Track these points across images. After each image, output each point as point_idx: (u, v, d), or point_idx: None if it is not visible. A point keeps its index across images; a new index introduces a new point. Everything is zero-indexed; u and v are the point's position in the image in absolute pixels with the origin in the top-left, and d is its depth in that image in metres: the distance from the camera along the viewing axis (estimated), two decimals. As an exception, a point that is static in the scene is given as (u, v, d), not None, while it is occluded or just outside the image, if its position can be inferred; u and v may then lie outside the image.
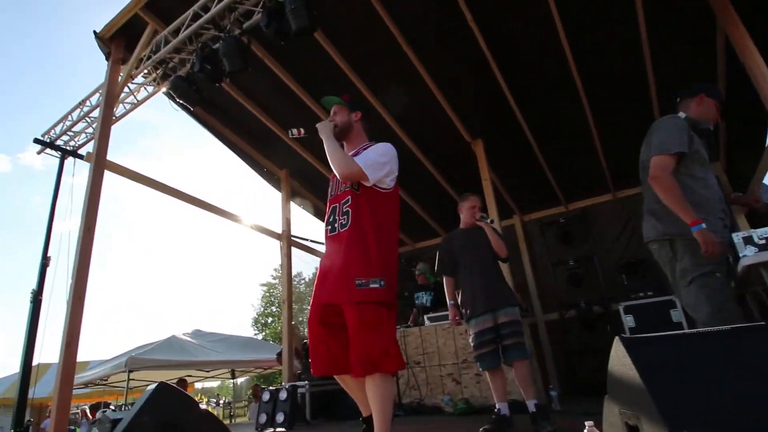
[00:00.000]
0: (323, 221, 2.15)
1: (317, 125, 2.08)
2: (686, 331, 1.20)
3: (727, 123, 4.77)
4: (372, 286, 1.81)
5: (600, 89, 4.73)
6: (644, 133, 2.36)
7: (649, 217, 2.25)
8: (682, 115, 2.32)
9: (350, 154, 2.08)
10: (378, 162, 1.98)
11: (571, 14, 3.97)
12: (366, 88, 4.79)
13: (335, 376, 1.95)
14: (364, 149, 2.09)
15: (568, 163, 6.00)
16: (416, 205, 6.92)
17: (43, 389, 10.62)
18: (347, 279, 1.83)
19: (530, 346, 4.71)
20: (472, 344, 3.04)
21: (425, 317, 5.13)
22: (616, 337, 1.31)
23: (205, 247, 64.50)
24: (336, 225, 2.00)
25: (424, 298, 5.96)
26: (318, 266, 2.08)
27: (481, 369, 3.03)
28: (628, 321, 4.62)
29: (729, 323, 1.31)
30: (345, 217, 1.97)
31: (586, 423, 1.47)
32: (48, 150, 4.96)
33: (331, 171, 2.04)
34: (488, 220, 3.18)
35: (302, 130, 2.09)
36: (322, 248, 7.39)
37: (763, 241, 1.99)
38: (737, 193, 3.16)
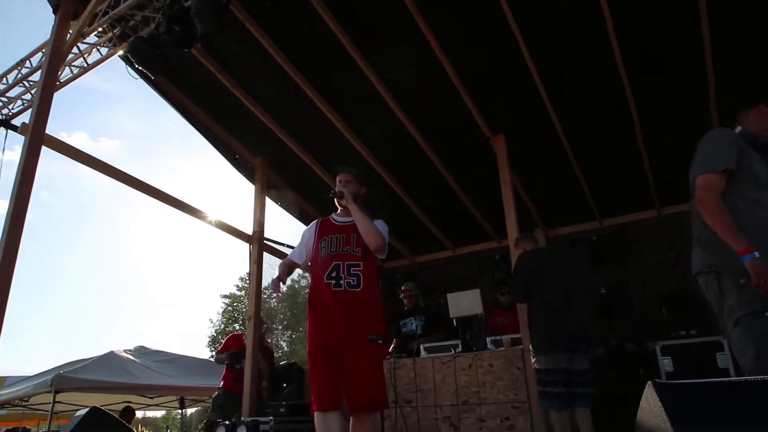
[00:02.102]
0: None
1: (347, 193, 2.97)
2: (729, 379, 1.23)
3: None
4: (379, 341, 2.75)
5: (651, 89, 4.81)
6: (699, 140, 2.44)
7: (695, 247, 2.36)
8: (738, 128, 2.42)
9: (347, 221, 3.00)
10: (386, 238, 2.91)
11: (625, 14, 4.05)
12: (368, 67, 4.83)
13: (319, 415, 2.63)
14: None
15: (607, 169, 6.07)
16: (419, 211, 6.95)
17: (-53, 409, 10.53)
18: (359, 332, 2.70)
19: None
20: None
21: (421, 347, 5.15)
22: (649, 383, 1.35)
23: (157, 246, 64.31)
24: (342, 282, 2.81)
25: (413, 324, 5.99)
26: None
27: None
28: (665, 364, 4.66)
29: None
30: (354, 278, 2.82)
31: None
32: (-26, 117, 4.95)
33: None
34: None
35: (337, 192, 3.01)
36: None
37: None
38: None
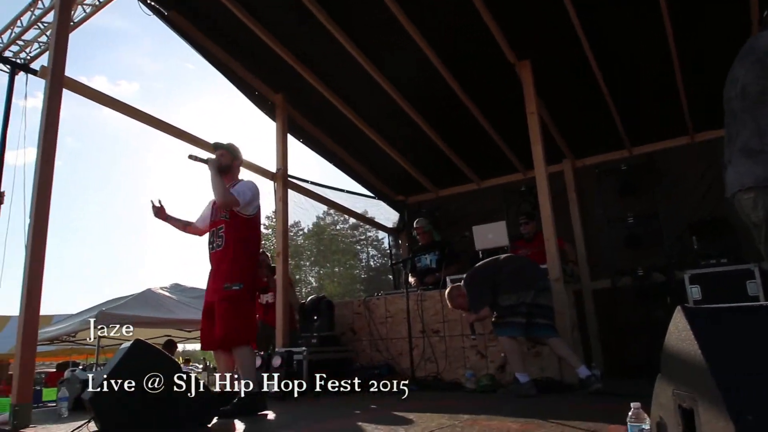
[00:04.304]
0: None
1: (209, 160, 3.47)
2: (763, 303, 1.22)
3: None
4: (234, 288, 3.31)
5: (688, 4, 4.50)
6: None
7: (743, 160, 2.11)
8: None
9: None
10: (245, 193, 3.43)
11: None
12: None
13: (213, 353, 3.63)
14: (236, 185, 3.55)
15: (639, 94, 5.83)
16: (443, 143, 6.85)
17: (2, 344, 11.25)
18: (220, 284, 3.35)
19: (573, 317, 4.83)
20: None
21: (447, 278, 5.23)
22: (678, 307, 1.34)
23: (185, 187, 65.43)
24: (214, 245, 3.48)
25: (428, 259, 6.13)
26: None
27: None
28: (694, 292, 4.66)
29: None
30: (220, 239, 3.43)
31: (632, 405, 1.53)
32: (-6, 63, 4.97)
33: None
34: None
35: (202, 158, 3.48)
36: (325, 192, 7.46)
37: None
38: None
